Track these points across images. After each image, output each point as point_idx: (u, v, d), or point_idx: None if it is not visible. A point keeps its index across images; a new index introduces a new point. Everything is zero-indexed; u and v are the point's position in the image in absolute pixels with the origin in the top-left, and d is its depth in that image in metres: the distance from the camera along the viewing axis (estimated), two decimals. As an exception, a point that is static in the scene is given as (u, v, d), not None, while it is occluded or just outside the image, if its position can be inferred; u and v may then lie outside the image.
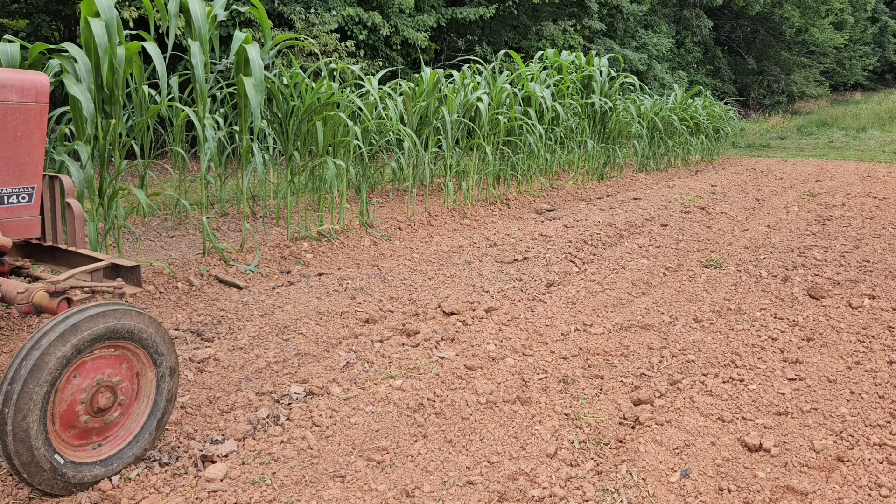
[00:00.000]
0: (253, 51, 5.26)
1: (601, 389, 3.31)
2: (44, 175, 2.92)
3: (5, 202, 2.74)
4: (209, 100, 5.78)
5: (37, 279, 2.63)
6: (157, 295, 4.49)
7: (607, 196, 9.26)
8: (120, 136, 4.98)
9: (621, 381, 3.40)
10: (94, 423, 2.35)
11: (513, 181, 8.82)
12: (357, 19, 11.56)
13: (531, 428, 2.91)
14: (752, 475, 2.61)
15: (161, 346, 2.49)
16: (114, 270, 2.70)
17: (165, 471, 2.51)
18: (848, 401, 3.24)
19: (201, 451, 2.63)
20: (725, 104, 17.30)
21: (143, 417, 2.50)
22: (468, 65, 8.89)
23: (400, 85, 7.75)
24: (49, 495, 2.27)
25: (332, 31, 11.12)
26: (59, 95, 5.29)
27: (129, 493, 2.38)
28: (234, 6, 7.07)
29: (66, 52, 4.68)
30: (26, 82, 2.76)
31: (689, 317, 4.39)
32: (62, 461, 2.23)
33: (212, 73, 5.44)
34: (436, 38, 13.97)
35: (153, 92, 6.13)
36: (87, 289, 2.52)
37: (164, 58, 5.00)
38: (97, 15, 4.57)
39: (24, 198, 2.82)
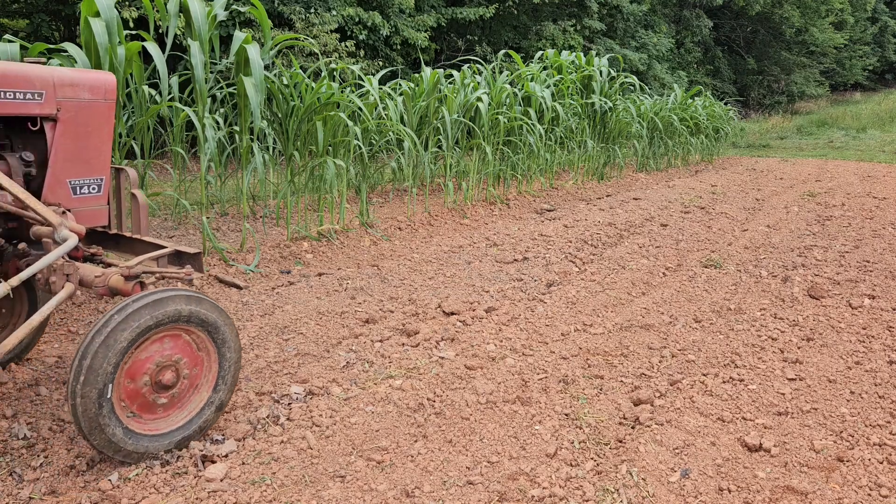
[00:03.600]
0: (253, 51, 5.26)
1: (601, 389, 3.31)
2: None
3: (77, 192, 2.91)
4: (209, 100, 5.78)
5: (108, 265, 2.76)
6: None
7: (607, 196, 9.26)
8: (120, 136, 4.99)
9: (621, 381, 3.40)
10: (157, 398, 2.51)
11: (513, 181, 8.82)
12: (357, 19, 11.56)
13: (531, 428, 2.91)
14: (752, 475, 2.61)
15: (224, 331, 2.64)
16: (176, 257, 2.89)
17: (165, 471, 2.51)
18: (848, 401, 3.24)
19: (201, 451, 2.63)
20: (725, 104, 17.29)
21: (206, 393, 2.67)
22: (468, 65, 8.89)
23: (400, 85, 7.75)
24: (112, 460, 2.47)
25: (332, 31, 11.12)
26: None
27: (129, 493, 2.38)
28: (234, 6, 7.07)
29: (66, 51, 4.68)
30: (96, 81, 2.93)
31: (689, 317, 4.39)
32: (127, 432, 2.42)
33: (212, 73, 5.44)
34: (436, 38, 13.97)
35: (153, 92, 6.13)
36: (157, 274, 2.71)
37: (164, 57, 5.01)
38: (97, 15, 4.58)
39: (94, 188, 2.99)
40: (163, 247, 2.88)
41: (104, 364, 2.27)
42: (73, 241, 2.55)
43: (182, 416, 2.61)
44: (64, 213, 2.65)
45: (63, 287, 2.53)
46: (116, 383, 2.36)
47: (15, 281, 2.30)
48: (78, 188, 2.92)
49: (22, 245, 2.77)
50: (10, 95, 2.62)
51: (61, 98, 2.81)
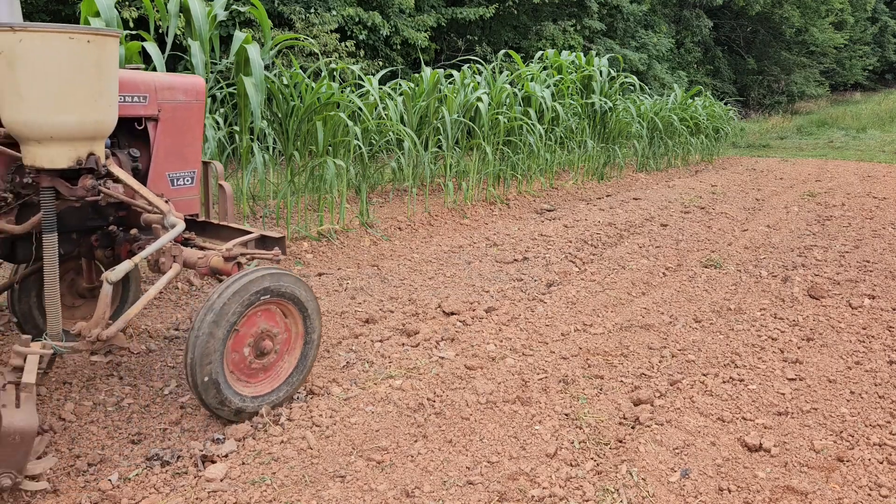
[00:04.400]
0: (253, 51, 5.27)
1: (601, 389, 3.31)
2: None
3: (175, 184, 3.23)
4: (209, 100, 5.78)
5: (202, 248, 3.06)
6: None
7: (607, 196, 9.26)
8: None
9: (621, 381, 3.40)
10: (256, 364, 2.87)
11: (513, 181, 8.82)
12: (357, 19, 11.56)
13: (531, 428, 2.91)
14: (752, 475, 2.61)
15: (310, 306, 2.98)
16: (261, 241, 3.19)
17: (165, 470, 2.52)
18: (848, 401, 3.25)
19: (201, 450, 2.64)
20: (725, 104, 17.27)
21: (293, 363, 3.01)
22: (468, 65, 8.89)
23: (400, 85, 7.75)
24: (221, 419, 2.79)
25: (332, 31, 11.12)
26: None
27: (128, 493, 2.39)
28: (234, 6, 7.08)
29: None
30: (189, 84, 3.26)
31: (689, 317, 4.39)
32: (233, 393, 2.75)
33: (212, 73, 5.44)
34: (436, 38, 13.97)
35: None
36: (249, 255, 3.01)
37: (164, 58, 5.01)
38: (97, 15, 4.58)
39: (188, 180, 3.31)
40: (249, 232, 3.18)
41: (217, 333, 2.61)
42: (181, 226, 2.84)
43: (275, 381, 2.96)
44: (167, 202, 2.92)
45: (171, 267, 2.85)
46: (225, 351, 2.69)
47: (138, 258, 2.65)
48: (175, 180, 3.25)
49: (134, 231, 3.07)
50: (122, 99, 2.85)
51: (162, 100, 3.11)
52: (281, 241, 3.17)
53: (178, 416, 2.93)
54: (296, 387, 3.03)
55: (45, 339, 2.50)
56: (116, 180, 2.73)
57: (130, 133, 3.06)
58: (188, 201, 3.31)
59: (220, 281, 2.88)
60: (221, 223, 3.40)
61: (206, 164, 3.52)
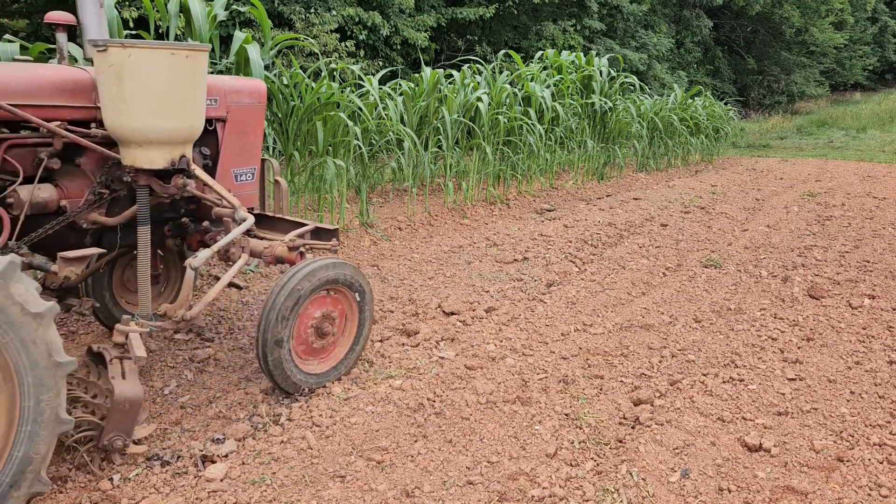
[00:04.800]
0: (253, 51, 5.26)
1: (601, 389, 3.31)
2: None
3: (238, 180, 3.47)
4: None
5: (262, 239, 3.29)
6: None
7: (607, 196, 9.26)
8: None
9: (621, 381, 3.40)
10: (317, 344, 3.15)
11: (513, 181, 8.82)
12: (357, 19, 11.56)
13: (531, 428, 2.91)
14: (752, 475, 2.61)
15: (364, 293, 3.25)
16: (315, 233, 3.40)
17: (165, 470, 2.52)
18: (848, 401, 3.25)
19: (201, 450, 2.64)
20: (725, 104, 17.25)
21: (348, 344, 3.28)
22: (468, 65, 8.88)
23: (400, 85, 7.75)
24: (284, 392, 3.06)
25: (332, 31, 11.11)
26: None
27: (129, 493, 2.39)
28: (234, 6, 7.08)
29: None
30: (253, 88, 3.49)
31: (689, 317, 4.39)
32: (297, 369, 3.03)
33: (212, 72, 5.44)
34: (436, 38, 13.97)
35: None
36: (307, 246, 3.24)
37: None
38: (97, 15, 4.57)
39: (249, 176, 3.55)
40: (304, 224, 3.40)
41: (286, 315, 2.90)
42: (251, 220, 3.08)
43: (333, 361, 3.24)
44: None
45: (240, 257, 3.11)
46: (293, 331, 2.98)
47: (216, 247, 2.93)
48: (238, 176, 3.49)
49: (205, 223, 3.30)
50: None
51: (230, 103, 3.34)
52: (335, 233, 3.41)
53: (178, 416, 2.93)
54: (349, 367, 3.30)
55: (136, 318, 2.76)
56: (192, 177, 2.97)
57: (202, 133, 3.22)
58: (249, 195, 3.54)
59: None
60: (277, 216, 3.61)
61: (262, 160, 3.75)
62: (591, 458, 2.70)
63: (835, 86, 33.36)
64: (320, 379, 3.17)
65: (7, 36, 4.75)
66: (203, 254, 2.83)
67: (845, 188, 10.44)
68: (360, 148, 6.53)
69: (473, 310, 4.33)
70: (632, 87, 12.29)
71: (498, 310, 4.36)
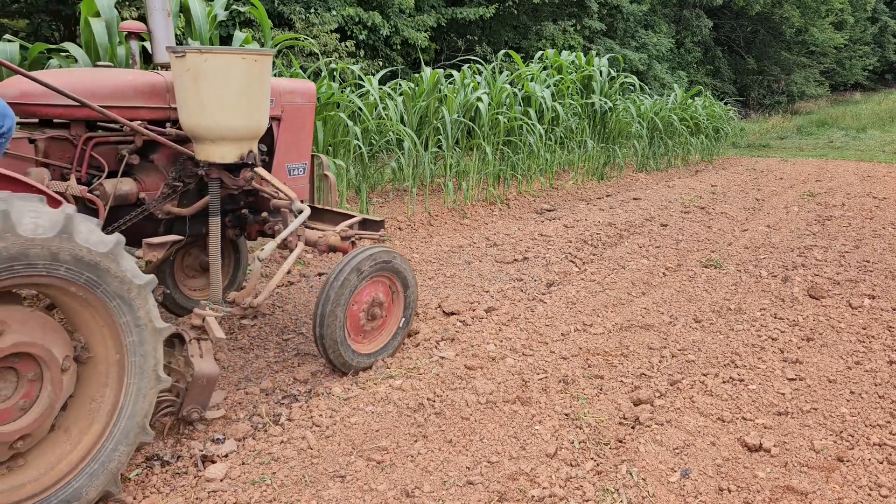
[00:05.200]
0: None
1: (601, 389, 3.31)
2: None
3: (291, 174, 3.69)
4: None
5: (315, 230, 3.53)
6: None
7: (607, 196, 9.26)
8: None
9: (621, 381, 3.40)
10: (368, 326, 3.39)
11: (513, 181, 8.82)
12: (357, 19, 11.57)
13: (531, 428, 2.91)
14: (752, 475, 2.61)
15: (409, 279, 3.51)
16: (362, 223, 3.64)
17: (166, 471, 2.52)
18: (848, 401, 3.25)
19: (201, 451, 2.64)
20: (725, 104, 17.24)
21: (395, 327, 3.55)
22: (468, 65, 8.88)
23: (400, 85, 7.75)
24: (339, 371, 3.31)
25: (332, 31, 11.11)
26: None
27: (129, 493, 2.39)
28: (234, 6, 7.08)
29: (66, 51, 4.68)
30: (304, 88, 3.70)
31: (689, 317, 4.39)
32: (350, 350, 3.28)
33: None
34: (436, 38, 13.97)
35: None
36: (358, 235, 3.52)
37: (164, 58, 5.00)
38: (97, 15, 4.58)
39: (301, 171, 3.78)
40: (352, 216, 3.64)
41: (341, 300, 3.13)
42: (307, 211, 3.30)
43: (381, 341, 3.49)
44: None
45: (297, 245, 3.31)
46: (347, 315, 3.21)
47: (279, 239, 3.18)
48: (291, 171, 3.71)
49: (264, 214, 3.56)
50: None
51: (285, 102, 3.53)
52: (381, 224, 3.67)
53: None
54: (395, 348, 3.56)
55: (209, 304, 3.01)
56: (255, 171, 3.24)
57: None
58: (300, 189, 3.75)
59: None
60: (325, 208, 3.84)
61: (312, 156, 3.96)
62: (591, 458, 2.70)
63: (835, 86, 33.36)
64: (370, 358, 3.42)
65: (7, 36, 4.75)
66: (269, 246, 3.08)
67: (845, 188, 10.44)
68: (360, 148, 6.53)
69: (473, 310, 4.33)
70: (632, 87, 12.29)
71: (498, 310, 4.36)
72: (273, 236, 3.47)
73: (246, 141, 3.03)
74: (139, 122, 2.93)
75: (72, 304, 2.10)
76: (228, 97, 2.84)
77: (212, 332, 2.83)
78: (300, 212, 3.29)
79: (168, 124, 3.11)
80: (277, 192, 3.37)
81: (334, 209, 3.81)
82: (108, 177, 2.91)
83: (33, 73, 2.61)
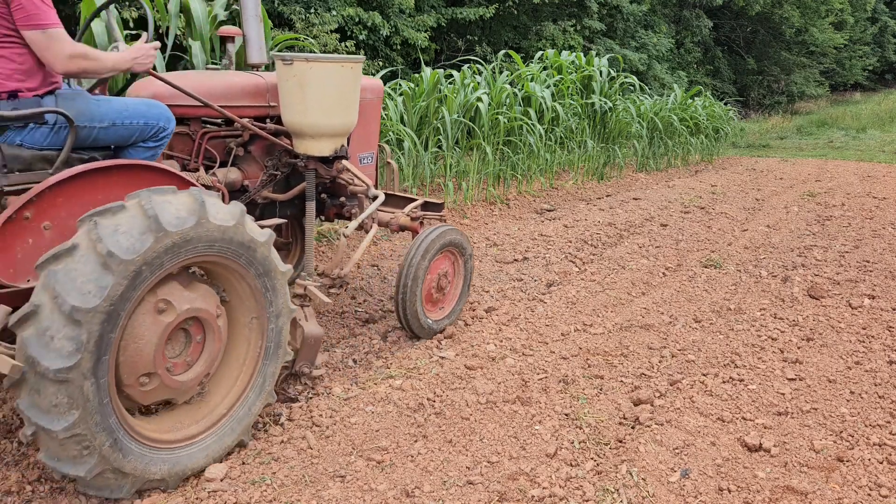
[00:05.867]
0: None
1: (601, 389, 3.31)
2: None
3: (361, 162, 4.07)
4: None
5: (384, 212, 3.91)
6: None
7: (607, 196, 9.26)
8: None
9: (621, 381, 3.40)
10: (436, 296, 3.86)
11: (513, 181, 8.81)
12: (357, 19, 11.56)
13: (531, 428, 2.91)
14: (752, 475, 2.61)
15: (469, 253, 3.96)
16: (424, 205, 4.02)
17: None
18: (848, 401, 3.25)
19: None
20: (725, 104, 17.22)
21: (456, 294, 4.01)
22: (468, 65, 8.88)
23: (400, 85, 7.75)
24: (415, 336, 3.78)
25: (332, 31, 11.10)
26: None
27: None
28: (234, 6, 7.07)
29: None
30: (373, 85, 4.07)
31: (689, 317, 4.39)
32: (424, 316, 3.73)
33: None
34: (436, 38, 13.96)
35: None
36: (421, 217, 3.95)
37: (164, 57, 5.01)
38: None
39: (369, 159, 4.15)
40: (414, 199, 4.02)
41: (418, 273, 3.57)
42: (382, 196, 3.71)
43: (446, 309, 3.95)
44: None
45: (372, 227, 3.73)
46: (422, 286, 3.64)
47: (359, 220, 3.60)
48: (362, 159, 4.08)
49: (342, 198, 3.92)
50: None
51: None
52: (441, 206, 4.05)
53: (178, 416, 2.93)
54: (455, 317, 4.01)
55: (303, 276, 3.34)
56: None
57: None
58: (369, 175, 4.11)
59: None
60: (389, 192, 4.11)
61: (378, 146, 4.30)
62: (591, 458, 2.70)
63: (835, 86, 33.34)
64: (438, 324, 3.86)
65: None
66: (352, 225, 3.56)
67: (845, 188, 10.44)
68: (360, 148, 6.51)
69: (473, 310, 4.33)
70: (632, 87, 12.29)
71: (498, 310, 4.36)
72: (349, 218, 3.88)
73: (340, 136, 3.44)
74: (247, 119, 3.34)
75: (229, 277, 2.56)
76: (328, 99, 3.23)
77: (318, 298, 3.23)
78: (375, 197, 3.72)
79: (267, 120, 3.51)
80: (353, 179, 3.78)
81: (397, 193, 4.16)
82: (220, 167, 3.32)
83: (165, 76, 2.97)
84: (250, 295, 2.61)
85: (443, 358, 3.58)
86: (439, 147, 8.02)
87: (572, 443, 2.80)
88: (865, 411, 3.15)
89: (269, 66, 4.57)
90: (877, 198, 9.41)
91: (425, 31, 12.74)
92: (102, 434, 2.11)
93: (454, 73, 8.36)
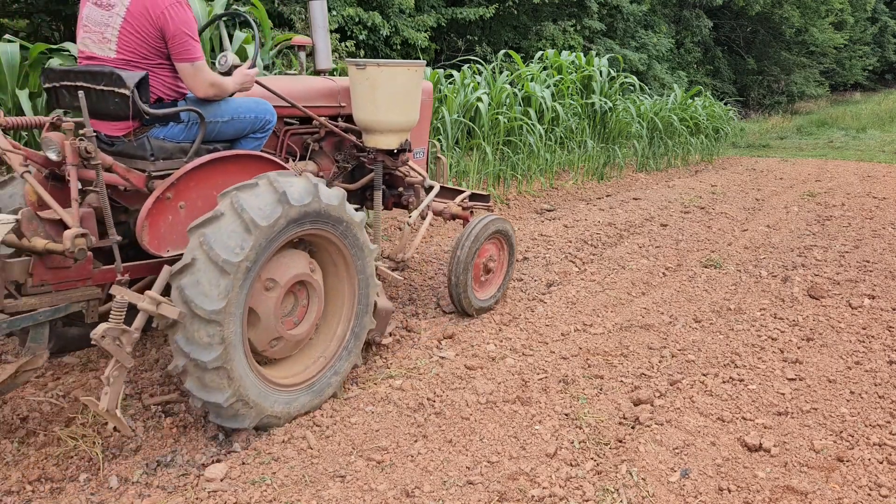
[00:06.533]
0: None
1: (601, 389, 3.31)
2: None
3: (416, 156, 4.45)
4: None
5: (437, 202, 4.36)
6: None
7: (607, 196, 9.26)
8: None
9: (621, 381, 3.40)
10: (483, 278, 4.25)
11: (513, 181, 8.81)
12: (357, 19, 11.56)
13: (531, 428, 2.91)
14: (752, 475, 2.61)
15: (513, 240, 4.35)
16: (471, 197, 4.49)
17: (167, 471, 2.52)
18: (848, 401, 3.25)
19: (202, 450, 2.63)
20: (725, 104, 17.21)
21: (500, 280, 4.40)
22: (468, 65, 8.88)
23: (400, 85, 7.74)
24: (467, 315, 4.16)
25: (332, 31, 11.10)
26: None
27: (130, 493, 2.39)
28: (234, 6, 7.07)
29: (67, 51, 4.68)
30: (426, 86, 4.37)
31: (689, 317, 4.40)
32: (473, 296, 4.12)
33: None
34: (436, 38, 13.96)
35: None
36: (472, 206, 4.43)
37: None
38: (97, 15, 4.55)
39: (422, 154, 4.54)
40: (462, 191, 4.49)
41: (468, 257, 3.95)
42: (437, 188, 4.25)
43: (491, 291, 4.34)
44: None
45: (427, 214, 4.20)
46: (472, 268, 4.01)
47: (421, 208, 4.13)
48: (416, 154, 4.43)
49: (399, 189, 4.32)
50: None
51: None
52: (488, 197, 4.54)
53: (179, 416, 2.93)
54: (498, 298, 4.37)
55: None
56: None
57: None
58: (421, 168, 4.44)
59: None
60: (440, 184, 4.47)
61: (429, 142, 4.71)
62: (591, 458, 2.70)
63: (835, 86, 33.33)
64: (484, 304, 4.24)
65: (7, 36, 4.75)
66: (414, 213, 4.08)
67: (845, 188, 10.44)
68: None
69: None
70: (632, 87, 12.28)
71: (498, 310, 4.36)
72: (406, 207, 4.31)
73: (404, 132, 3.90)
74: (324, 117, 3.79)
75: (329, 249, 3.03)
76: (395, 99, 3.68)
77: (390, 277, 3.71)
78: (430, 188, 4.21)
79: (338, 119, 3.95)
80: (409, 171, 4.19)
81: (446, 185, 4.52)
82: (298, 161, 3.74)
83: (262, 80, 3.38)
84: (345, 266, 3.09)
85: (443, 358, 3.58)
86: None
87: (572, 443, 2.80)
88: (865, 411, 3.15)
89: (335, 72, 4.77)
90: (877, 198, 9.41)
91: (425, 31, 12.74)
92: (238, 369, 2.56)
93: (454, 73, 8.37)
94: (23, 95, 4.51)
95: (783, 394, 3.29)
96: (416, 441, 2.78)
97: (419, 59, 11.67)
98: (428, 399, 3.11)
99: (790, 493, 2.51)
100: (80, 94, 2.41)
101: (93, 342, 2.33)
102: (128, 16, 2.70)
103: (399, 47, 12.70)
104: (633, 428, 2.95)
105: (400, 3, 11.98)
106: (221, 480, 2.46)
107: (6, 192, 2.95)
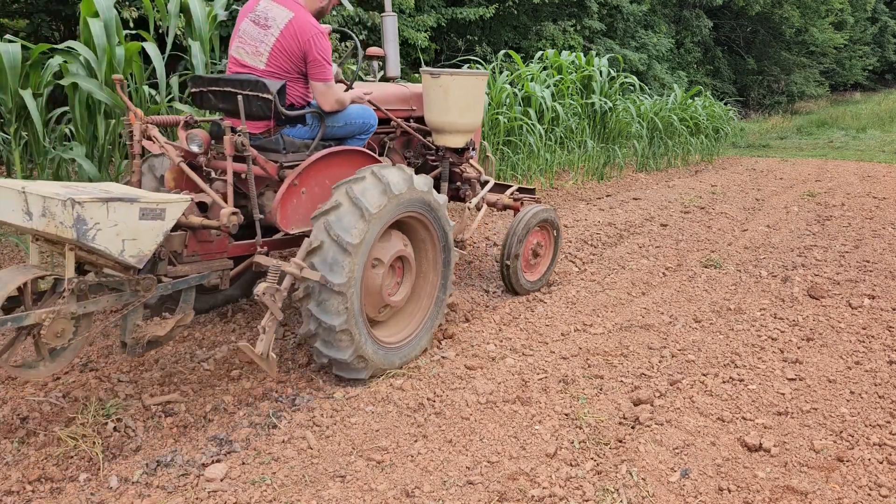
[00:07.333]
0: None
1: (601, 389, 3.31)
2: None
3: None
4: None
5: (490, 194, 4.78)
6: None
7: (607, 196, 9.26)
8: (120, 136, 4.99)
9: (621, 381, 3.40)
10: (533, 261, 4.72)
11: (513, 181, 8.81)
12: (357, 19, 11.56)
13: (531, 428, 2.91)
14: (752, 475, 2.61)
15: (559, 229, 4.79)
16: (518, 190, 4.88)
17: (167, 471, 2.51)
18: (848, 401, 3.25)
19: (202, 451, 2.63)
20: (725, 104, 17.20)
21: (546, 265, 4.86)
22: (468, 65, 8.87)
23: (400, 85, 7.74)
24: (515, 293, 4.64)
25: (332, 32, 11.09)
26: (58, 96, 5.30)
27: (130, 493, 2.39)
28: (234, 6, 7.07)
29: (72, 49, 4.68)
30: None
31: (689, 317, 4.39)
32: (522, 277, 4.61)
33: (212, 73, 5.44)
34: (436, 38, 13.95)
35: (154, 92, 6.13)
36: (522, 198, 4.79)
37: (164, 58, 5.00)
38: (96, 15, 4.58)
39: (474, 152, 4.74)
40: (510, 185, 4.92)
41: (519, 243, 4.41)
42: (493, 181, 4.78)
43: (538, 274, 4.80)
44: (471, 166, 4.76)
45: (483, 205, 4.64)
46: (522, 253, 4.52)
47: (478, 198, 4.58)
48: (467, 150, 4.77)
49: (457, 182, 4.75)
50: None
51: None
52: (533, 190, 4.96)
53: (180, 417, 2.93)
54: (545, 281, 4.85)
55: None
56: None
57: None
58: (477, 165, 4.85)
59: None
60: (486, 179, 4.86)
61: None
62: (591, 458, 2.70)
63: (835, 86, 33.33)
64: (533, 285, 4.71)
65: (7, 36, 4.75)
66: (474, 200, 4.52)
67: (845, 188, 10.44)
68: (361, 148, 6.51)
69: (473, 309, 4.33)
70: (632, 87, 12.28)
71: (498, 310, 4.36)
72: (462, 199, 4.73)
73: (470, 133, 4.38)
74: (399, 119, 4.26)
75: (419, 229, 3.55)
76: (465, 103, 4.19)
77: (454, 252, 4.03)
78: (486, 182, 4.73)
79: (411, 120, 4.44)
80: (467, 167, 4.65)
81: (494, 180, 4.91)
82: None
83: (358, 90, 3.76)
84: (431, 243, 3.61)
85: (443, 358, 3.58)
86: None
87: (572, 443, 2.80)
88: (865, 411, 3.15)
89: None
90: (877, 198, 9.41)
91: (425, 31, 12.74)
92: (358, 330, 3.06)
93: (454, 73, 8.35)
94: (26, 95, 4.51)
95: (783, 394, 3.29)
96: (416, 441, 2.78)
97: (419, 58, 11.66)
98: (428, 399, 3.11)
99: (790, 493, 2.51)
100: (239, 98, 2.97)
101: (255, 297, 2.81)
102: (280, 37, 3.28)
103: (399, 47, 12.69)
104: (633, 428, 2.95)
105: (400, 3, 11.98)
106: (221, 480, 2.46)
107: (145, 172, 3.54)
